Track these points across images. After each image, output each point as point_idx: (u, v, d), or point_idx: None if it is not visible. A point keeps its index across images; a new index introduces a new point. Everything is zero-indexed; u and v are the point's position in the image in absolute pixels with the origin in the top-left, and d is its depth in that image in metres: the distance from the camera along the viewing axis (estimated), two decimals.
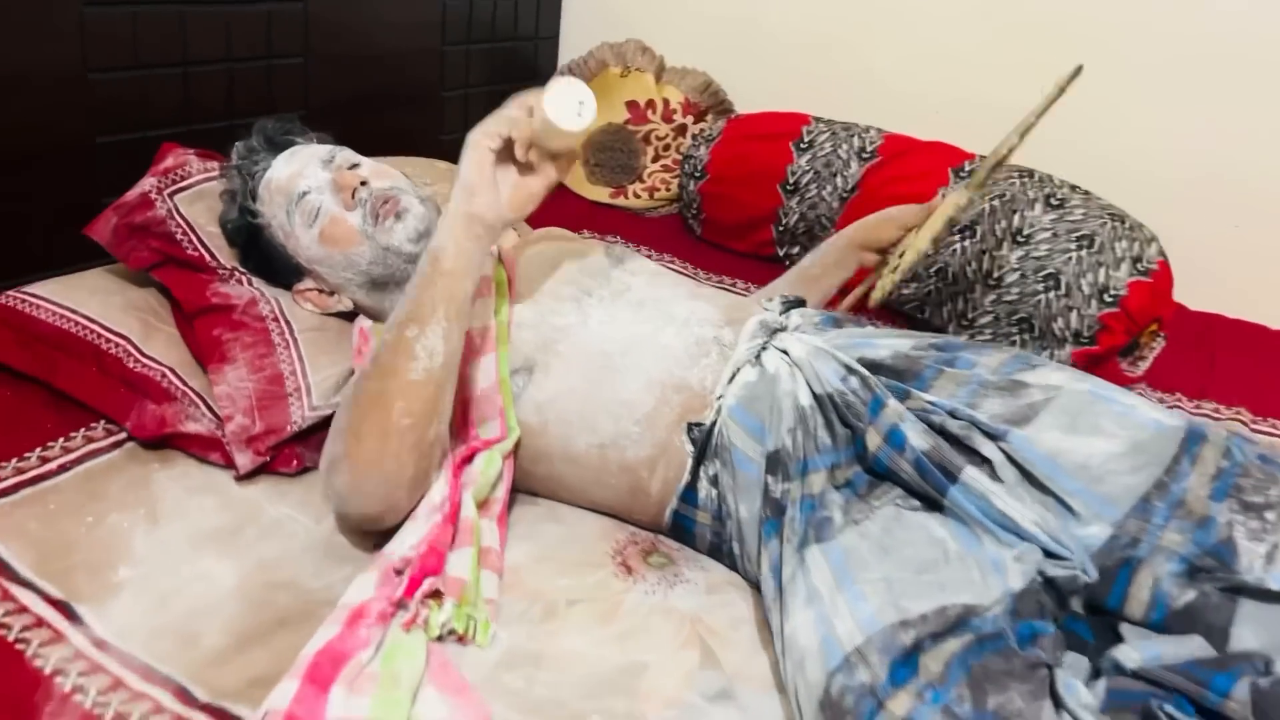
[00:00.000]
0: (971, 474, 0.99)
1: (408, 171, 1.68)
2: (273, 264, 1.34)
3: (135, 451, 1.25)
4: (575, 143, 1.08)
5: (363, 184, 1.27)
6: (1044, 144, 1.97)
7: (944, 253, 1.83)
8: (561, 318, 1.23)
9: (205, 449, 1.26)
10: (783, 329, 1.21)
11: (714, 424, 1.13)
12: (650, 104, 2.32)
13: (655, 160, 2.33)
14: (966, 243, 1.81)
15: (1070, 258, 1.71)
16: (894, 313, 1.92)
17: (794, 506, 1.03)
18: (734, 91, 2.37)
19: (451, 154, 2.42)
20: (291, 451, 1.27)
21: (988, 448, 1.02)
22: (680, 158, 2.30)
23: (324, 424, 1.30)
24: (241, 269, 1.37)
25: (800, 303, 1.32)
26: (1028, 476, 1.01)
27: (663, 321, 1.21)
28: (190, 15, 1.63)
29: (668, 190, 2.33)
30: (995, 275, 1.77)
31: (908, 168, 1.92)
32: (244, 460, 1.23)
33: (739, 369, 1.15)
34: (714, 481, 1.13)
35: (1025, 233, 1.76)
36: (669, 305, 1.24)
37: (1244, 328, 1.93)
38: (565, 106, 1.05)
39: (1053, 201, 1.78)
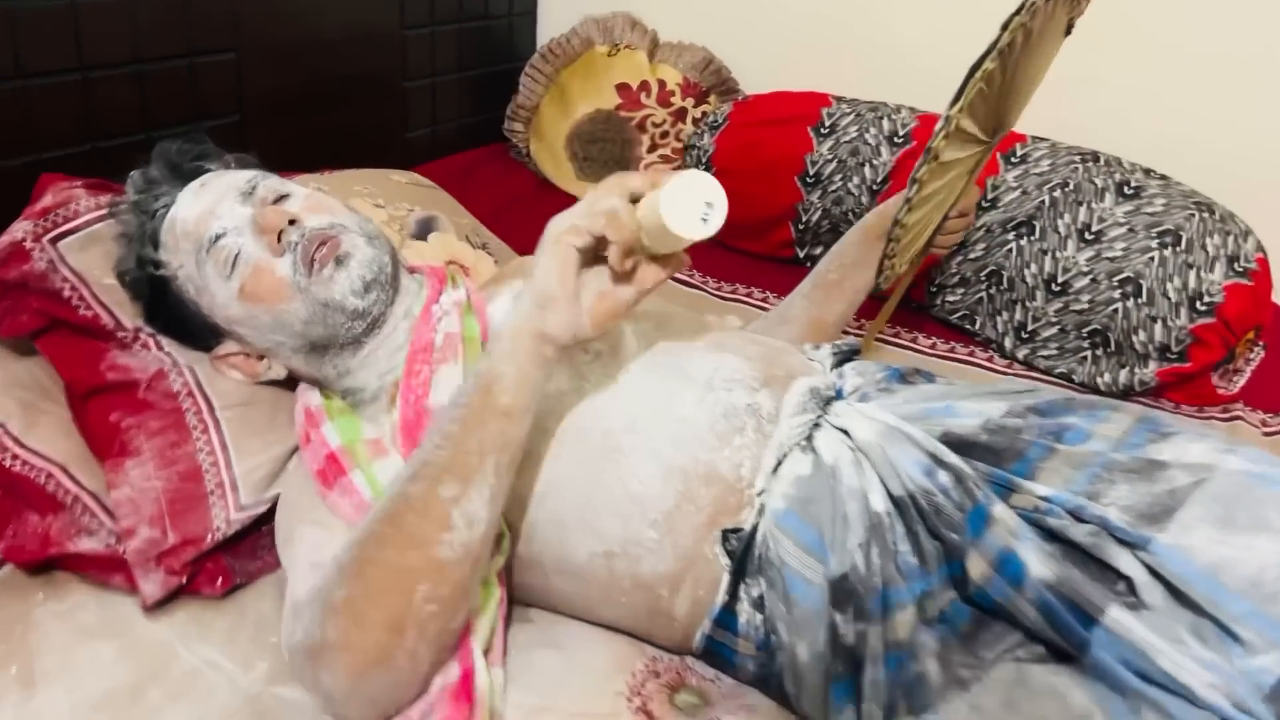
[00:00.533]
0: (1117, 616, 0.73)
1: (358, 189, 1.41)
2: (185, 324, 1.06)
3: (13, 579, 0.99)
4: (686, 244, 0.82)
5: (292, 222, 0.99)
6: (1106, 121, 1.70)
7: (997, 253, 1.56)
8: (550, 383, 0.96)
9: (104, 571, 0.99)
10: (836, 396, 0.94)
11: (755, 528, 0.87)
12: (644, 86, 2.03)
13: (652, 150, 2.05)
14: (1024, 241, 1.54)
15: (1152, 258, 1.44)
16: (940, 322, 1.65)
17: (875, 665, 0.76)
18: (738, 69, 2.08)
19: (418, 155, 2.15)
20: (216, 566, 1.01)
21: (1125, 560, 0.77)
22: (681, 146, 2.02)
23: (257, 525, 1.03)
24: (148, 329, 1.09)
25: (854, 353, 1.05)
26: (1177, 593, 0.75)
27: (679, 384, 0.95)
28: (84, 5, 1.34)
29: None
30: (1060, 280, 1.50)
31: None
32: (151, 586, 0.96)
33: (785, 455, 0.88)
34: (758, 604, 0.87)
35: (1095, 229, 1.49)
36: (684, 360, 0.97)
37: None
38: (687, 208, 0.78)
39: (1126, 190, 1.51)
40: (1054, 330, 1.51)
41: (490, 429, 0.81)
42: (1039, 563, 0.75)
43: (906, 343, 1.61)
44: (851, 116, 1.75)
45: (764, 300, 1.73)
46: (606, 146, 2.05)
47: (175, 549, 0.98)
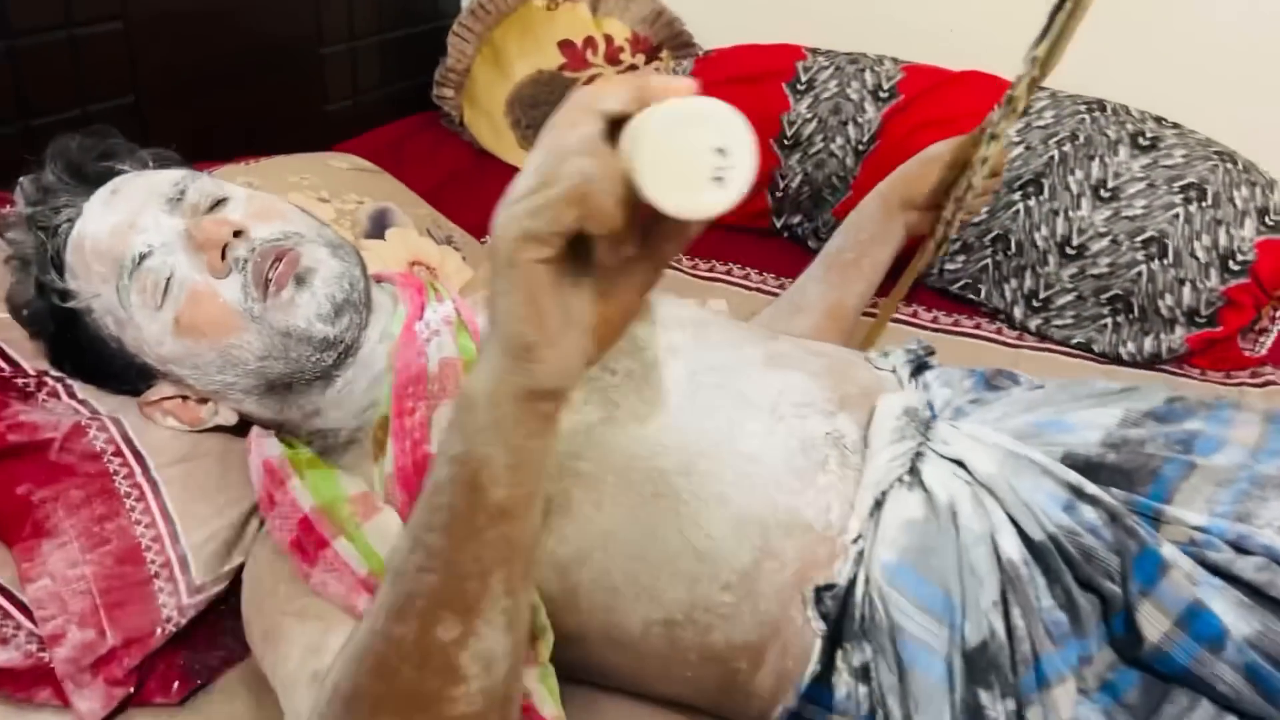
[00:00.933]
0: None
1: (294, 179, 1.19)
2: (104, 365, 0.86)
3: None
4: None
5: (236, 234, 0.79)
6: (1099, 65, 1.56)
7: (1001, 215, 1.43)
8: (573, 412, 0.79)
9: (26, 687, 0.79)
10: (931, 414, 0.79)
11: (852, 583, 0.72)
12: (589, 43, 1.84)
13: None
14: (1032, 201, 1.41)
15: (1177, 215, 1.33)
16: (939, 293, 1.52)
17: None
18: (692, 21, 1.90)
19: (340, 130, 1.83)
20: (170, 667, 0.82)
21: None
22: None
23: (214, 609, 0.84)
24: (55, 374, 0.88)
25: (929, 352, 0.90)
26: None
27: (739, 411, 0.79)
28: None
29: None
30: (1075, 243, 1.38)
31: (940, 108, 1.50)
32: (89, 702, 0.78)
33: (885, 492, 0.73)
34: (860, 674, 0.72)
35: (1110, 185, 1.37)
36: (739, 381, 0.81)
37: None
38: (687, 159, 0.45)
39: (1141, 141, 1.39)
40: (1070, 297, 1.39)
41: (488, 538, 0.54)
42: (1236, 616, 0.62)
43: (905, 317, 1.47)
44: (830, 70, 1.59)
45: (745, 278, 1.57)
46: (550, 111, 1.84)
47: (116, 652, 0.79)
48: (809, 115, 1.57)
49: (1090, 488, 0.69)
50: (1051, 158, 1.41)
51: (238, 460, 0.89)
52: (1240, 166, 1.35)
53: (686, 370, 0.82)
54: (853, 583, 0.72)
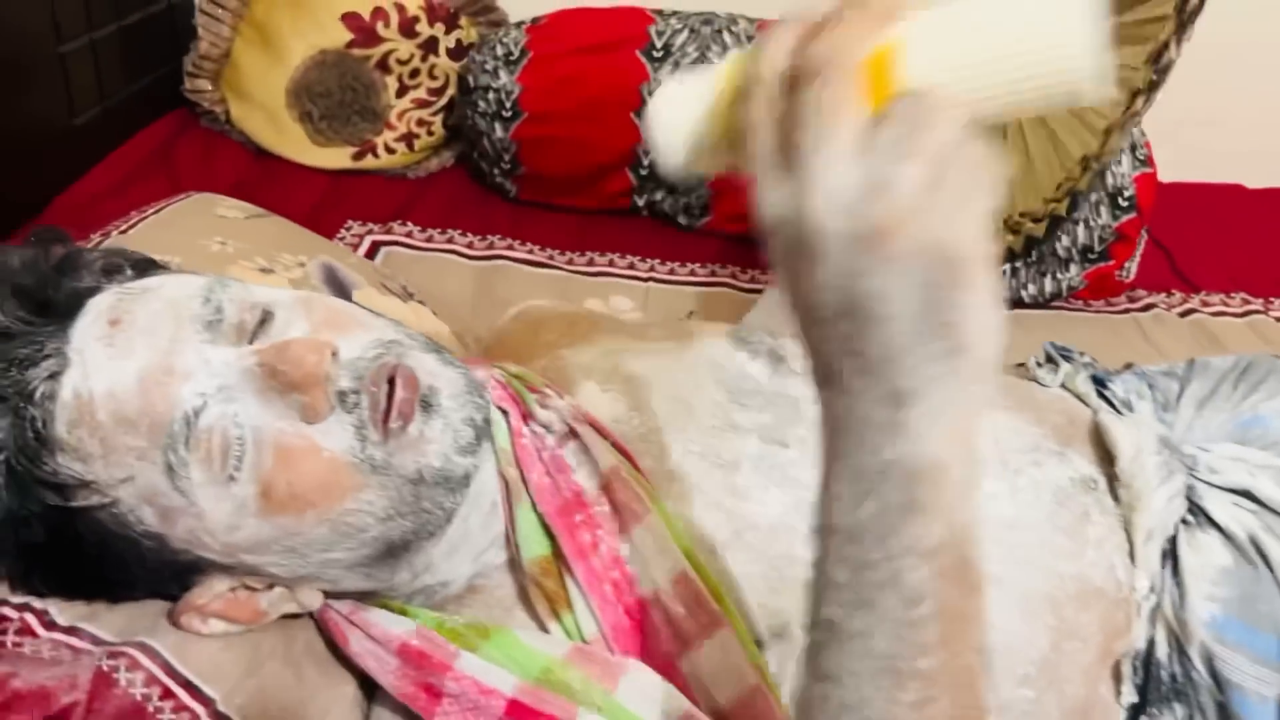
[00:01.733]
0: None
1: (210, 246, 0.91)
2: (119, 575, 0.62)
3: None
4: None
5: (333, 356, 0.58)
6: None
7: None
8: (753, 502, 0.67)
9: None
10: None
11: (1152, 644, 0.66)
12: (378, 14, 1.58)
13: (402, 94, 1.62)
14: None
15: None
16: None
17: None
18: None
19: (93, 147, 1.42)
20: None
21: None
22: (439, 86, 1.62)
23: None
24: (14, 600, 0.61)
25: (1080, 355, 0.85)
26: None
27: None
28: None
29: (430, 134, 1.64)
30: None
31: None
32: None
33: (1172, 538, 0.67)
34: None
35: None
36: None
37: (1212, 191, 1.72)
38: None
39: None
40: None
41: (981, 619, 0.43)
42: None
43: None
44: (686, 34, 1.48)
45: (630, 269, 1.44)
46: (345, 97, 1.59)
47: None
48: None
49: None
50: None
51: (305, 650, 0.67)
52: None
53: None
54: (1152, 644, 0.66)
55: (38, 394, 0.57)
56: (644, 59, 1.46)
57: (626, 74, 1.46)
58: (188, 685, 0.61)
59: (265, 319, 0.60)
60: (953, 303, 0.39)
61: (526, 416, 0.69)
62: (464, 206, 1.54)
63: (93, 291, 0.61)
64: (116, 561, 0.60)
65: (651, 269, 1.44)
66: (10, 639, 0.61)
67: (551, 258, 1.44)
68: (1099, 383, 0.81)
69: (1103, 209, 1.36)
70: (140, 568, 0.61)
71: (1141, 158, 1.39)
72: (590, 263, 1.45)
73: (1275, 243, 1.59)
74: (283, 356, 0.57)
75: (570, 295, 1.32)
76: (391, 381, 0.59)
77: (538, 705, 0.59)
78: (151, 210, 0.91)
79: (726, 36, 1.47)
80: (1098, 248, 1.37)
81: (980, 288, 0.39)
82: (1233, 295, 1.46)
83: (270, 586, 0.64)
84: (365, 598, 0.66)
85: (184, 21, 1.55)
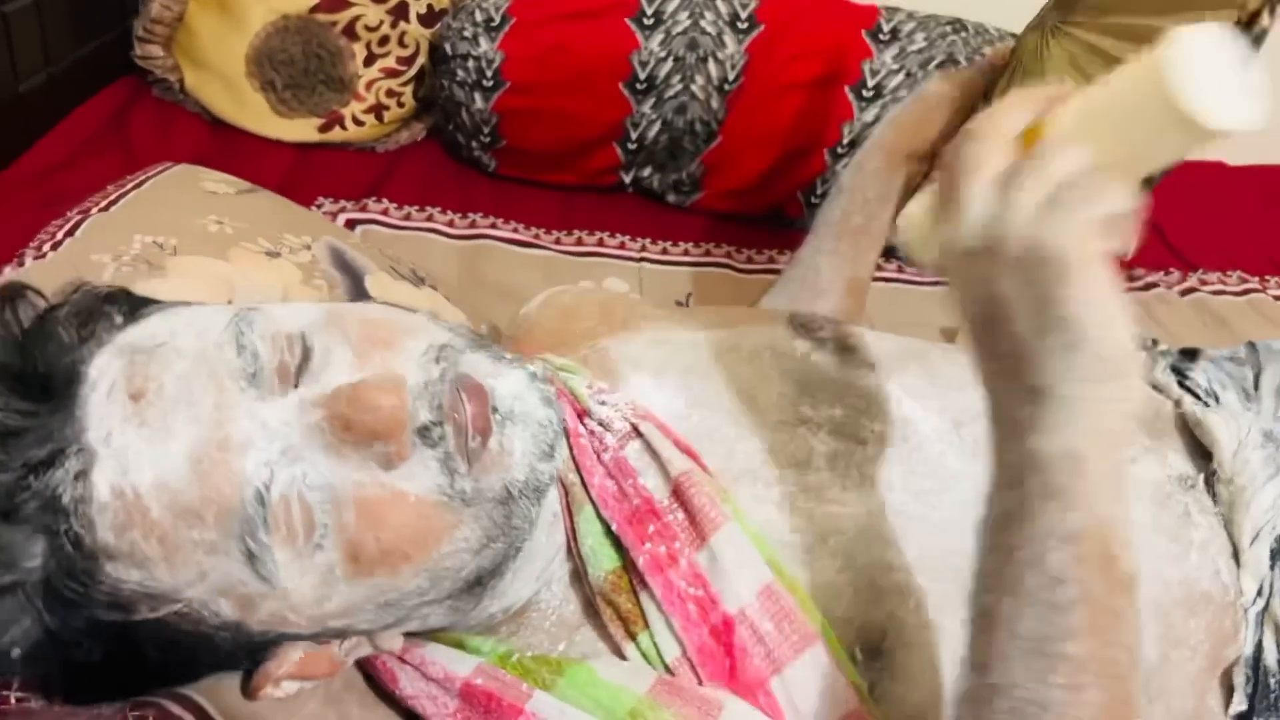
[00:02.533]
0: None
1: (207, 226, 0.82)
2: (186, 669, 0.55)
3: None
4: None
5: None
6: None
7: None
8: (827, 502, 0.62)
9: None
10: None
11: (1259, 649, 0.62)
12: None
13: (370, 63, 1.53)
14: None
15: None
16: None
17: None
18: None
19: (39, 117, 1.29)
20: None
21: None
22: (409, 54, 1.53)
23: None
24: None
25: (1194, 353, 0.81)
26: None
27: None
28: None
29: (400, 105, 1.55)
30: None
31: (809, 39, 1.39)
32: None
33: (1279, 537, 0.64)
34: None
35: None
36: None
37: (1194, 169, 1.70)
38: (1215, 83, 0.45)
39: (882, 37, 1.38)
40: None
41: (1130, 619, 0.46)
42: None
43: None
44: (678, 0, 1.40)
45: (621, 248, 1.38)
46: (310, 65, 1.49)
47: None
48: (662, 54, 1.39)
49: None
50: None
51: (344, 687, 0.60)
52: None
53: (947, 420, 0.66)
54: (1259, 648, 0.62)
55: (66, 499, 0.48)
56: (634, 26, 1.39)
57: (615, 42, 1.38)
58: None
59: (306, 354, 0.52)
60: (1060, 298, 0.44)
61: (581, 414, 0.63)
62: (440, 182, 1.46)
63: (85, 355, 0.51)
64: (184, 659, 0.53)
65: (643, 248, 1.38)
66: (14, 694, 0.52)
67: (538, 236, 1.37)
68: (1178, 373, 0.77)
69: None
70: (211, 658, 0.53)
71: None
72: (579, 242, 1.38)
73: (1262, 218, 1.58)
74: (356, 406, 0.49)
75: (560, 277, 1.25)
76: (467, 400, 0.52)
77: None
78: (131, 184, 0.82)
79: (720, 4, 1.40)
80: None
81: (1086, 283, 0.44)
82: (1229, 273, 1.45)
83: (342, 639, 0.57)
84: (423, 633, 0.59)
85: None
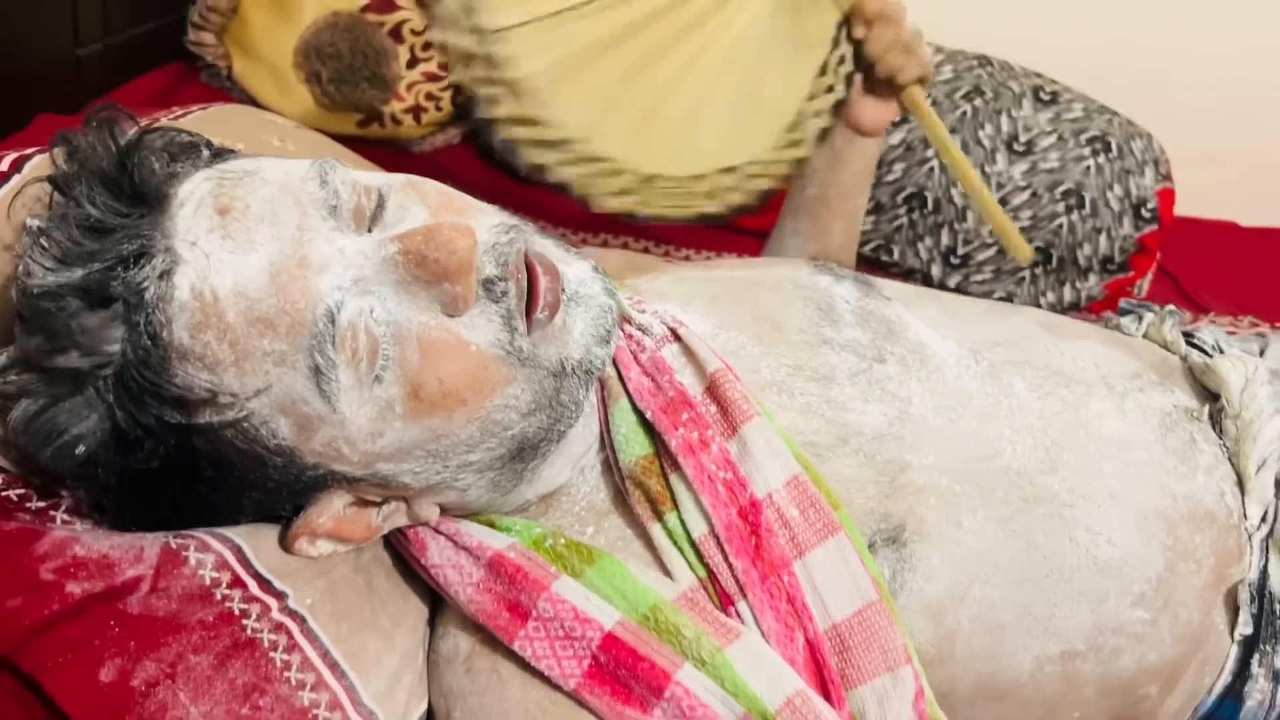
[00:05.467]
0: None
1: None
2: (237, 497, 0.55)
3: None
4: None
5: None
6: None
7: (915, 173, 1.40)
8: (855, 413, 0.63)
9: None
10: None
11: (1265, 575, 0.64)
12: None
13: (413, 65, 1.57)
14: (947, 167, 1.39)
15: (1088, 167, 1.37)
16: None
17: None
18: None
19: (94, 82, 1.28)
20: None
21: None
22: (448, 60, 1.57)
23: None
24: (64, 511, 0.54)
25: (1146, 304, 0.84)
26: None
27: (1069, 390, 0.68)
28: None
29: (439, 109, 1.59)
30: (996, 197, 1.38)
31: None
32: None
33: None
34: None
35: (1023, 139, 1.39)
36: (1039, 354, 0.70)
37: (1209, 228, 1.74)
38: None
39: (1043, 96, 1.42)
40: (990, 253, 1.40)
41: None
42: None
43: None
44: None
45: (644, 251, 1.40)
46: (355, 63, 1.53)
47: None
48: None
49: None
50: (963, 113, 1.39)
51: (373, 560, 0.61)
52: (1125, 120, 1.43)
53: (965, 348, 0.68)
54: (1264, 574, 0.64)
55: (149, 294, 0.49)
56: None
57: None
58: (258, 577, 0.54)
59: (381, 202, 0.54)
60: None
61: (622, 320, 0.65)
62: (472, 184, 1.49)
63: (176, 177, 0.54)
64: (234, 485, 0.54)
65: (666, 254, 1.40)
66: (61, 515, 0.53)
67: (565, 236, 1.40)
68: (1185, 335, 0.79)
69: (1125, 219, 1.37)
70: (260, 489, 0.54)
71: (1164, 173, 1.40)
72: (604, 244, 1.41)
73: (1274, 274, 1.61)
74: (432, 242, 0.51)
75: None
76: (529, 269, 0.54)
77: (638, 646, 0.54)
78: (183, 112, 0.85)
79: None
80: (1118, 258, 1.37)
81: None
82: (1240, 318, 1.47)
83: (385, 500, 0.58)
84: (463, 512, 0.60)
85: None
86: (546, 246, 0.57)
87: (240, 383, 0.50)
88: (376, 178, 0.56)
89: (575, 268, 0.57)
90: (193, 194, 0.52)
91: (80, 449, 0.50)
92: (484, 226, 0.55)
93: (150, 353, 0.49)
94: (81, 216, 0.51)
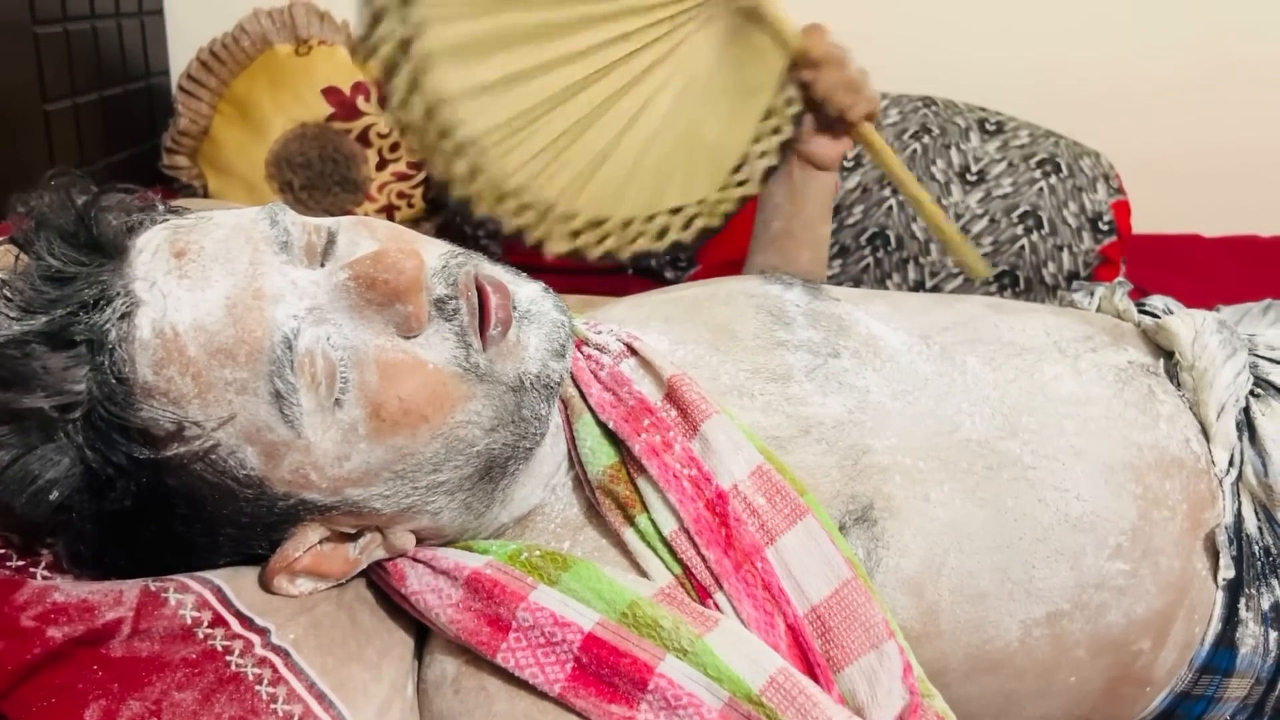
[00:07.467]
0: None
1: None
2: (212, 533, 0.57)
3: None
4: None
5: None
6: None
7: (875, 213, 1.44)
8: (819, 406, 0.65)
9: None
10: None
11: (1239, 518, 0.64)
12: (359, 88, 1.60)
13: (382, 167, 1.62)
14: (902, 197, 1.43)
15: (1041, 188, 1.41)
16: None
17: None
18: None
19: None
20: None
21: None
22: (416, 159, 1.63)
23: None
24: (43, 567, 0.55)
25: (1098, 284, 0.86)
26: None
27: (1022, 359, 0.70)
28: None
29: (410, 206, 1.64)
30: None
31: None
32: None
33: (1245, 410, 0.67)
34: (1272, 619, 0.65)
35: (975, 169, 1.43)
36: (988, 331, 0.72)
37: (1174, 243, 1.78)
38: None
39: (988, 126, 1.46)
40: (957, 282, 1.42)
41: None
42: None
43: None
44: None
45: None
46: (326, 168, 1.59)
47: None
48: None
49: None
50: (913, 151, 1.44)
51: (356, 598, 0.61)
52: (1071, 141, 1.47)
53: (915, 336, 0.71)
54: (1239, 518, 0.64)
55: (112, 335, 0.52)
56: None
57: None
58: (239, 615, 0.55)
59: (331, 239, 0.57)
60: None
61: (578, 344, 0.67)
62: None
63: (134, 230, 0.56)
64: (209, 521, 0.55)
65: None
66: (41, 571, 0.54)
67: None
68: (1137, 304, 0.81)
69: (1084, 234, 1.40)
70: (234, 525, 0.55)
71: (1115, 186, 1.44)
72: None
73: (1245, 287, 1.64)
74: (380, 265, 0.53)
75: None
76: (480, 289, 0.56)
77: (619, 643, 0.54)
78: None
79: None
80: (1083, 272, 1.40)
81: None
82: None
83: (360, 533, 0.59)
84: (439, 540, 0.62)
85: (162, 99, 1.56)
86: (496, 269, 0.60)
87: (205, 413, 0.52)
88: (326, 220, 0.59)
89: (526, 288, 0.60)
90: (149, 241, 0.55)
91: (54, 494, 0.51)
92: (433, 254, 0.58)
93: (115, 390, 0.51)
94: (43, 268, 0.53)
